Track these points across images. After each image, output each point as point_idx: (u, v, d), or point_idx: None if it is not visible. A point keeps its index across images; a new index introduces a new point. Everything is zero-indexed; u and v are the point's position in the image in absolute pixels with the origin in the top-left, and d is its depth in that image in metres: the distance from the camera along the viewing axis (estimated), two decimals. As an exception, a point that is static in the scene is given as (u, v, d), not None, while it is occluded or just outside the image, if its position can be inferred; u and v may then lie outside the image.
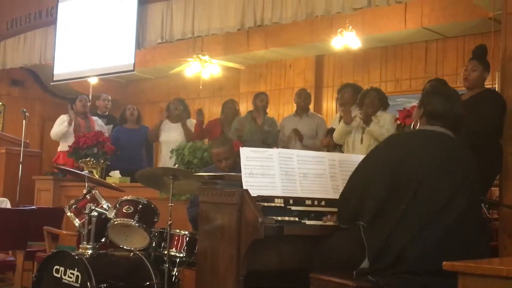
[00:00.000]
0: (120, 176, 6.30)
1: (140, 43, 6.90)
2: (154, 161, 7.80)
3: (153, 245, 4.11)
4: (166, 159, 6.50)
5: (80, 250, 4.04)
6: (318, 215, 3.33)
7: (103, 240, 4.24)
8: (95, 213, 4.08)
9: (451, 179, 2.79)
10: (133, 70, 7.08)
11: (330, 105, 9.06)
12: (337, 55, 8.69)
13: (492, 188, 4.75)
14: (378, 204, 2.79)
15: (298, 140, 6.22)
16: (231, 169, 4.22)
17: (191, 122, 7.02)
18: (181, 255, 4.03)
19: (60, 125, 7.13)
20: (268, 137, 6.34)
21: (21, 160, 6.75)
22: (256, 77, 9.76)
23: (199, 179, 3.76)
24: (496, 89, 5.19)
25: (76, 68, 7.61)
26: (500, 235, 4.34)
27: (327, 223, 3.25)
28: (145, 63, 9.64)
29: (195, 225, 4.39)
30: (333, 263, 2.96)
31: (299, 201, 3.38)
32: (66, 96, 10.52)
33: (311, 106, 7.79)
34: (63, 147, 7.10)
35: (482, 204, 4.33)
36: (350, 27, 7.51)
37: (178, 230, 4.08)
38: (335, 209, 3.19)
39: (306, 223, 3.23)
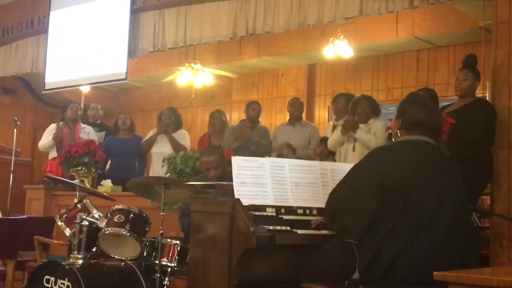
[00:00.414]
0: (111, 185, 6.27)
1: (132, 52, 6.89)
2: (146, 171, 7.77)
3: (144, 254, 4.09)
4: (157, 170, 6.48)
5: (71, 259, 4.02)
6: (309, 224, 3.32)
7: (94, 249, 4.20)
8: (86, 223, 4.05)
9: (437, 188, 2.79)
10: (125, 79, 7.06)
11: (322, 114, 9.08)
12: (329, 64, 8.72)
13: (483, 196, 4.77)
14: (368, 221, 2.77)
15: (291, 153, 6.19)
16: (219, 178, 4.21)
17: (183, 133, 6.99)
18: (173, 264, 4.01)
19: (48, 136, 7.11)
20: (261, 146, 6.33)
21: (12, 169, 6.72)
22: (248, 85, 9.77)
23: (191, 188, 3.75)
24: (487, 98, 5.21)
25: (68, 76, 7.59)
26: (491, 244, 4.35)
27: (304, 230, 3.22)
28: (138, 72, 9.63)
29: (187, 235, 4.37)
30: (325, 273, 2.95)
31: (290, 210, 3.37)
32: (58, 104, 10.50)
33: (304, 115, 7.81)
34: (53, 155, 7.08)
35: (474, 213, 4.35)
36: (342, 36, 7.55)
37: (169, 240, 4.06)
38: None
39: (298, 233, 3.22)
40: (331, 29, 7.47)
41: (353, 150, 5.39)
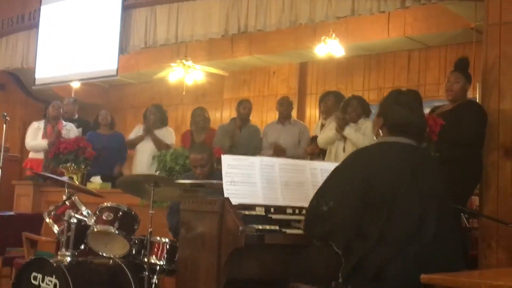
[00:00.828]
0: (101, 181, 6.25)
1: (123, 48, 6.87)
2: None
3: (133, 252, 4.08)
4: (140, 165, 6.46)
5: (59, 257, 4.00)
6: (299, 224, 3.31)
7: (82, 247, 4.19)
8: (75, 220, 4.03)
9: (421, 193, 2.71)
10: (116, 75, 7.04)
11: (313, 112, 9.08)
12: (320, 62, 8.72)
13: (473, 196, 4.79)
14: (353, 230, 2.70)
15: (282, 155, 6.18)
16: (206, 176, 4.19)
17: (169, 130, 6.96)
18: (161, 262, 3.99)
19: (34, 138, 7.08)
20: (251, 144, 6.33)
21: (0, 164, 6.67)
22: (240, 83, 9.76)
23: (181, 187, 3.74)
24: (477, 100, 5.23)
25: (59, 72, 7.55)
26: (480, 245, 4.37)
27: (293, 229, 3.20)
28: (129, 68, 9.60)
29: (174, 232, 4.37)
30: (312, 273, 2.95)
31: (280, 209, 3.36)
32: (48, 100, 10.42)
33: (295, 113, 7.82)
34: (32, 154, 7.08)
35: (462, 214, 4.36)
36: (334, 35, 7.54)
37: (158, 238, 4.05)
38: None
39: (287, 232, 3.21)
40: (323, 28, 7.47)
41: (344, 151, 5.38)
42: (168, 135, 6.90)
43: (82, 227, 4.12)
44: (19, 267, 4.48)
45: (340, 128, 5.34)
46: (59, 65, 7.51)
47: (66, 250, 4.01)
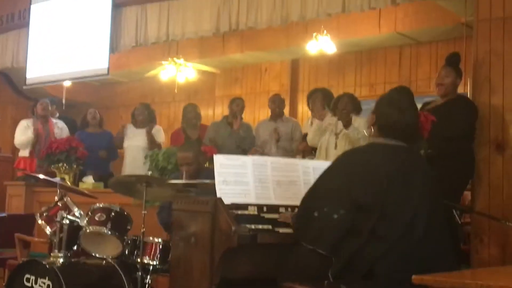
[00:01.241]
0: (93, 181, 6.23)
1: (114, 47, 6.83)
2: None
3: (126, 253, 4.07)
4: (129, 166, 6.45)
5: (52, 258, 3.99)
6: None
7: (75, 248, 4.18)
8: (67, 221, 4.03)
9: (412, 192, 2.74)
10: (107, 74, 7.01)
11: (305, 109, 9.04)
12: (312, 59, 8.71)
13: (465, 192, 4.80)
14: (339, 234, 2.72)
15: (275, 140, 6.22)
16: (192, 175, 4.17)
17: (157, 128, 6.96)
18: (154, 263, 4.00)
19: (23, 134, 7.04)
20: (244, 142, 6.33)
21: (-10, 165, 6.65)
22: (232, 81, 9.75)
23: (173, 187, 3.74)
24: (468, 95, 5.25)
25: (50, 71, 7.51)
26: (472, 240, 4.39)
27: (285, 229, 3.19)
28: (120, 67, 9.55)
29: (166, 228, 4.36)
30: (304, 272, 2.95)
31: (273, 208, 3.36)
32: (39, 99, 10.37)
33: (287, 110, 7.82)
34: (23, 153, 7.03)
35: (454, 210, 4.38)
36: (325, 31, 7.54)
37: (151, 238, 4.05)
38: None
39: (280, 232, 3.22)
40: (314, 25, 7.46)
41: (335, 148, 5.39)
42: (157, 133, 6.90)
43: (74, 228, 4.11)
44: (12, 268, 4.47)
45: (344, 126, 5.31)
46: (50, 65, 7.47)
47: (59, 251, 4.01)
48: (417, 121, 2.99)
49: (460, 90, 4.70)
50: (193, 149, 4.46)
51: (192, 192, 3.50)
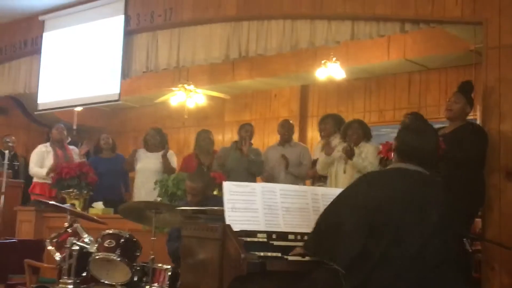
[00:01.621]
0: (103, 207, 6.24)
1: (125, 73, 6.91)
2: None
3: (135, 279, 4.07)
4: (141, 188, 6.46)
5: (61, 285, 3.99)
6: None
7: (84, 274, 4.18)
8: (76, 247, 4.04)
9: (426, 219, 2.75)
10: (118, 100, 7.07)
11: (315, 135, 9.08)
12: (321, 85, 8.75)
13: (476, 219, 4.77)
14: (355, 251, 2.74)
15: (284, 166, 6.22)
16: (196, 205, 4.16)
17: (170, 153, 6.98)
18: (163, 289, 3.98)
19: (39, 162, 7.05)
20: (253, 166, 6.34)
21: (3, 190, 6.67)
22: (241, 106, 9.79)
23: (182, 213, 3.73)
24: (478, 121, 5.25)
25: (61, 97, 7.59)
26: (483, 268, 4.36)
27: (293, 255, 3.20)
28: (131, 92, 9.63)
29: (174, 258, 4.35)
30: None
31: (282, 236, 3.35)
32: (51, 124, 10.46)
33: (296, 136, 7.84)
34: (38, 178, 7.07)
35: (464, 239, 4.34)
36: (334, 58, 7.59)
37: (160, 265, 4.04)
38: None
39: (289, 259, 3.20)
40: (324, 51, 7.51)
41: (344, 172, 5.40)
42: (170, 158, 6.91)
43: (84, 254, 4.12)
44: (21, 294, 4.47)
45: (349, 158, 5.32)
46: (62, 90, 7.55)
47: (68, 277, 4.01)
48: (436, 147, 3.01)
49: (470, 116, 4.70)
50: (202, 180, 4.44)
51: (201, 218, 3.50)
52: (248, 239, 3.22)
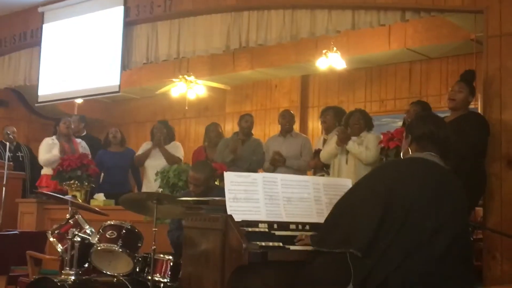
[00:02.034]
0: (104, 199, 6.25)
1: (125, 65, 6.89)
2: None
3: (137, 270, 4.07)
4: (151, 183, 6.45)
5: (63, 276, 4.00)
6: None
7: (86, 265, 4.19)
8: (78, 239, 4.04)
9: (439, 210, 2.75)
10: (118, 92, 7.05)
11: (315, 125, 9.09)
12: (322, 75, 8.74)
13: (476, 208, 4.78)
14: (371, 234, 2.74)
15: (281, 163, 6.19)
16: (199, 195, 4.17)
17: (176, 145, 6.98)
18: (165, 280, 4.00)
19: (48, 152, 7.05)
20: (253, 164, 6.34)
21: (4, 182, 6.68)
22: (242, 97, 9.78)
23: (183, 204, 3.74)
24: (479, 110, 5.24)
25: (61, 89, 7.57)
26: (484, 256, 4.36)
27: (299, 245, 3.20)
28: (131, 83, 9.63)
29: (176, 248, 4.36)
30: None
31: (283, 225, 3.36)
32: (51, 116, 10.47)
33: (297, 126, 7.83)
34: (46, 170, 7.04)
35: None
36: (335, 48, 7.57)
37: (162, 255, 4.05)
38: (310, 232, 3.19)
39: (290, 249, 3.21)
40: (324, 41, 7.50)
41: (346, 163, 5.40)
42: (176, 149, 6.91)
43: (85, 245, 4.13)
44: (23, 286, 4.48)
45: (342, 142, 5.34)
46: (62, 82, 7.53)
47: (70, 268, 4.01)
48: (451, 134, 3.02)
49: (471, 105, 4.69)
50: (206, 171, 4.44)
51: (202, 209, 3.50)
52: (250, 229, 3.24)
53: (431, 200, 2.77)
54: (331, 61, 7.62)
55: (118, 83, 6.87)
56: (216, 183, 5.13)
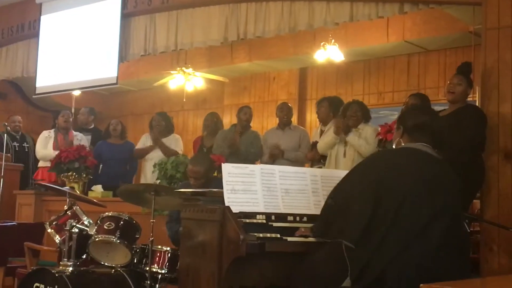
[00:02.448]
0: (102, 190, 6.25)
1: (123, 56, 6.87)
2: (137, 176, 7.71)
3: (135, 261, 4.08)
4: (149, 176, 6.45)
5: (61, 267, 4.00)
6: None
7: (84, 256, 4.19)
8: (76, 230, 4.04)
9: (433, 201, 2.75)
10: (116, 83, 7.04)
11: (313, 118, 9.05)
12: (320, 68, 8.73)
13: (474, 200, 4.78)
14: (363, 224, 2.75)
15: (280, 156, 6.19)
16: (199, 188, 4.18)
17: (175, 137, 6.97)
18: (163, 271, 4.00)
19: (44, 147, 7.05)
20: (250, 155, 6.34)
21: (2, 174, 6.68)
22: (240, 89, 9.77)
23: (181, 195, 3.74)
24: (477, 103, 5.24)
25: (59, 81, 7.56)
26: (481, 249, 4.37)
27: (300, 237, 3.22)
28: (129, 76, 9.61)
29: (174, 240, 4.37)
30: (315, 282, 2.94)
31: (281, 217, 3.36)
32: (49, 108, 10.45)
33: (295, 119, 7.83)
34: (43, 163, 7.04)
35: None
36: (333, 40, 7.56)
37: (160, 246, 4.05)
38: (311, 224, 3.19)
39: (288, 240, 3.22)
40: (323, 34, 7.49)
41: (344, 156, 5.41)
42: (175, 142, 6.90)
43: (83, 237, 4.13)
44: (21, 277, 4.48)
45: (343, 132, 5.33)
46: (60, 74, 7.51)
47: (68, 260, 4.01)
48: (445, 126, 3.02)
49: (469, 98, 4.69)
50: (205, 163, 4.44)
51: (200, 200, 3.50)
52: (247, 220, 3.24)
53: (424, 192, 2.76)
54: (329, 53, 7.62)
55: (116, 75, 6.86)
56: (214, 174, 5.14)
